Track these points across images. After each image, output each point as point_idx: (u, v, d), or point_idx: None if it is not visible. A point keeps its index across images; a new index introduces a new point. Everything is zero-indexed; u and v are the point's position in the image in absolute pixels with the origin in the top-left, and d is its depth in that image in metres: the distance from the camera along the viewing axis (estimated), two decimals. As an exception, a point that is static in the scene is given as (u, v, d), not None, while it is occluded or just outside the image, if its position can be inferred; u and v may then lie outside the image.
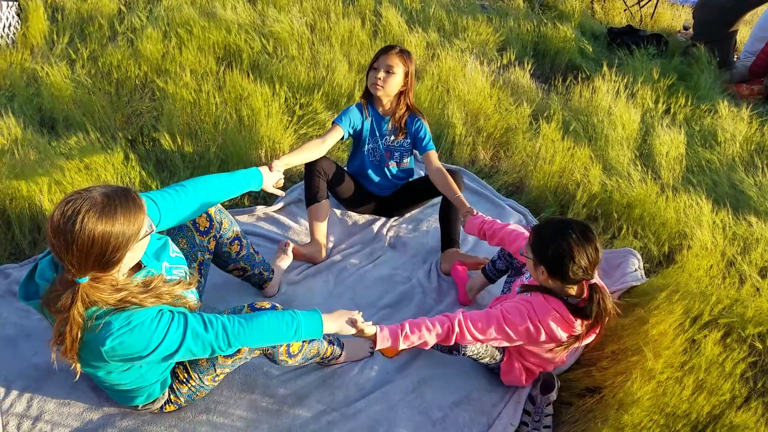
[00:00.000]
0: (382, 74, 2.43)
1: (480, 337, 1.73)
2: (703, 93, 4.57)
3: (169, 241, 1.71)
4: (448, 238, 2.54)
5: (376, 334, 1.71)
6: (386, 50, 2.45)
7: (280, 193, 2.14)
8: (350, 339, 1.90)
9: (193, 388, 1.70)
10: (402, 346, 1.72)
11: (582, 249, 1.64)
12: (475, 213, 2.26)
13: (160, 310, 1.41)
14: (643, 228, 2.84)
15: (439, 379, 2.01)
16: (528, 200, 3.12)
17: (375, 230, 2.73)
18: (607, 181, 3.08)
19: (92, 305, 1.34)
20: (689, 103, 4.30)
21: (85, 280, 1.32)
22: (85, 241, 1.25)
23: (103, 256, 1.29)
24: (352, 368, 2.02)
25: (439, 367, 2.05)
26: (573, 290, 1.73)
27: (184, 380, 1.68)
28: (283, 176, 2.15)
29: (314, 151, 2.42)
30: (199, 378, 1.67)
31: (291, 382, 1.93)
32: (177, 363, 1.68)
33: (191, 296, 1.58)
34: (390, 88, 2.46)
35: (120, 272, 1.40)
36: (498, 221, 2.16)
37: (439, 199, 2.64)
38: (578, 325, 1.72)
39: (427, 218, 2.85)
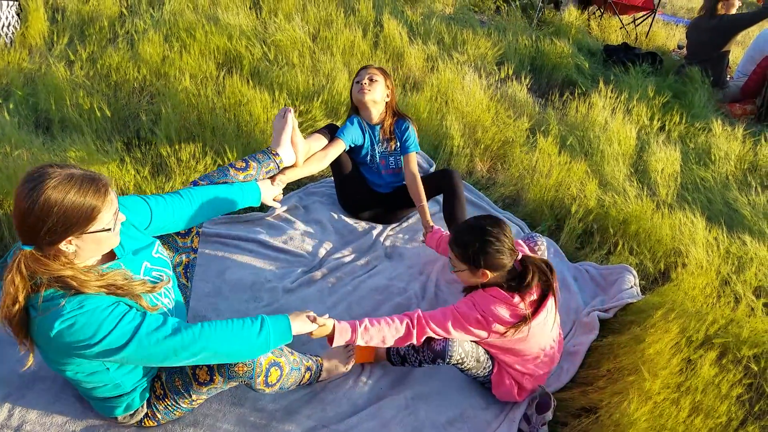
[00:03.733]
0: (366, 81, 2.62)
1: (439, 331, 1.79)
2: (697, 111, 4.63)
3: (158, 244, 1.68)
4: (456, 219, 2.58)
5: (333, 328, 1.70)
6: (365, 67, 2.67)
7: (276, 206, 2.20)
8: (330, 353, 1.94)
9: (169, 407, 1.64)
10: (360, 340, 1.73)
11: (502, 235, 1.79)
12: (434, 229, 2.48)
13: (117, 301, 1.37)
14: (639, 244, 2.85)
15: (433, 396, 1.98)
16: (525, 213, 3.12)
17: (372, 239, 2.72)
18: (603, 197, 3.09)
19: (32, 277, 1.30)
20: (684, 121, 4.35)
21: (27, 248, 1.30)
22: (28, 208, 1.24)
23: (42, 227, 1.26)
24: (345, 382, 1.98)
25: (433, 383, 2.02)
26: (505, 272, 1.82)
27: (161, 396, 1.62)
28: (282, 190, 2.19)
29: (316, 165, 2.48)
30: (174, 399, 1.61)
31: (281, 397, 1.88)
32: (155, 377, 1.63)
33: (159, 300, 1.53)
34: (376, 92, 2.62)
35: (79, 257, 1.37)
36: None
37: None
38: (519, 303, 1.78)
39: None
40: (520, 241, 2.10)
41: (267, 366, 1.56)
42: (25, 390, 1.77)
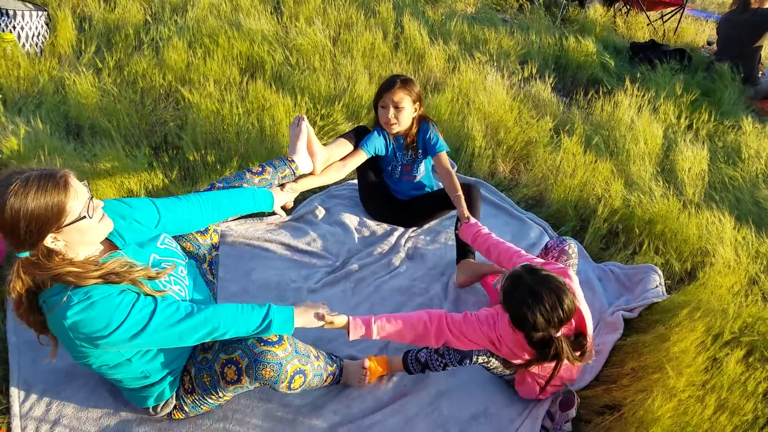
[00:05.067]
0: (392, 112, 2.50)
1: (459, 336, 1.78)
2: (726, 109, 4.52)
3: (165, 236, 1.74)
4: (464, 250, 2.53)
5: (348, 323, 1.73)
6: (389, 87, 2.49)
7: (282, 214, 2.24)
8: (347, 365, 1.95)
9: (196, 401, 1.70)
10: (375, 335, 1.75)
11: (545, 318, 1.62)
12: (471, 221, 2.31)
13: (123, 290, 1.43)
14: (665, 244, 2.81)
15: (456, 392, 2.00)
16: (548, 214, 3.10)
17: (393, 241, 2.74)
18: (629, 196, 3.05)
19: (34, 281, 1.39)
20: (712, 119, 4.26)
21: (23, 255, 1.38)
22: (4, 218, 1.32)
23: (19, 233, 1.33)
24: (369, 379, 2.01)
25: (456, 380, 2.04)
26: None
27: (189, 390, 1.68)
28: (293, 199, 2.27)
29: (334, 174, 2.50)
30: (201, 394, 1.68)
31: (307, 393, 1.93)
32: (184, 370, 1.69)
33: (167, 286, 1.58)
34: (405, 121, 2.55)
35: (72, 250, 1.43)
36: (493, 236, 2.19)
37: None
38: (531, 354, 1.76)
39: (446, 230, 2.85)
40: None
41: (292, 373, 1.61)
42: (62, 386, 1.84)
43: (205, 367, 1.63)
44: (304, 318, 1.66)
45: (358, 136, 2.62)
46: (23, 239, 1.35)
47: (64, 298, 1.37)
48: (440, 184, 2.85)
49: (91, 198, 1.44)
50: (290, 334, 1.63)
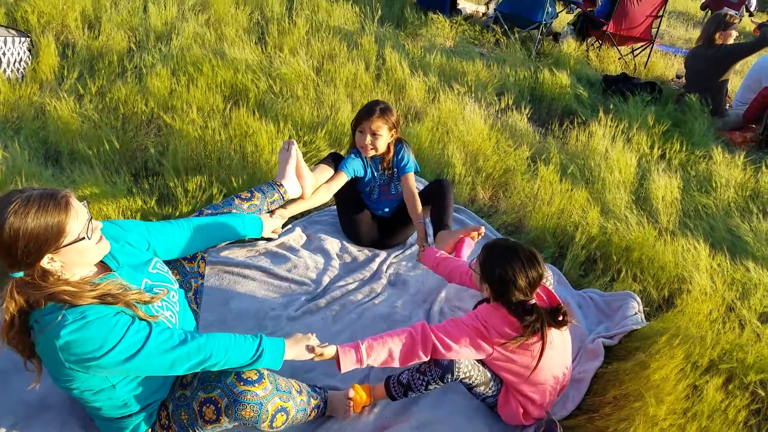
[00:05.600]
0: (369, 139, 2.61)
1: (444, 339, 1.78)
2: (697, 139, 4.67)
3: (156, 260, 1.72)
4: (442, 224, 2.58)
5: (337, 354, 1.71)
6: (367, 115, 2.59)
7: (273, 236, 2.29)
8: (331, 396, 1.92)
9: None
10: (366, 359, 1.73)
11: (524, 274, 1.75)
12: (427, 248, 2.43)
13: (119, 312, 1.40)
14: (642, 271, 2.85)
15: (438, 424, 1.96)
16: (527, 240, 3.14)
17: (375, 267, 2.74)
18: (606, 224, 3.11)
19: (27, 301, 1.36)
20: (684, 149, 4.39)
21: (17, 275, 1.35)
22: (3, 237, 1.29)
23: (17, 252, 1.31)
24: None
25: (438, 412, 2.01)
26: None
27: (165, 426, 1.63)
28: (281, 224, 2.30)
29: (322, 196, 2.59)
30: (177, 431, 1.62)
31: (287, 428, 1.87)
32: (161, 406, 1.64)
33: (160, 312, 1.56)
34: (381, 147, 2.66)
35: (68, 271, 1.41)
36: (452, 258, 2.31)
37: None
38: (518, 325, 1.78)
39: (428, 257, 2.86)
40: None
41: (273, 412, 1.57)
42: (31, 420, 1.77)
43: (183, 404, 1.58)
44: (295, 350, 1.64)
45: (335, 161, 2.72)
46: (20, 259, 1.32)
47: (59, 318, 1.33)
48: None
49: (90, 219, 1.42)
50: (278, 369, 1.60)
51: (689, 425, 1.80)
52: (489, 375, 1.90)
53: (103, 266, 1.55)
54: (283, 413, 1.59)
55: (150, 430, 1.64)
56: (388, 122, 2.60)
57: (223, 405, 1.51)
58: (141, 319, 1.45)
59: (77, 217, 1.38)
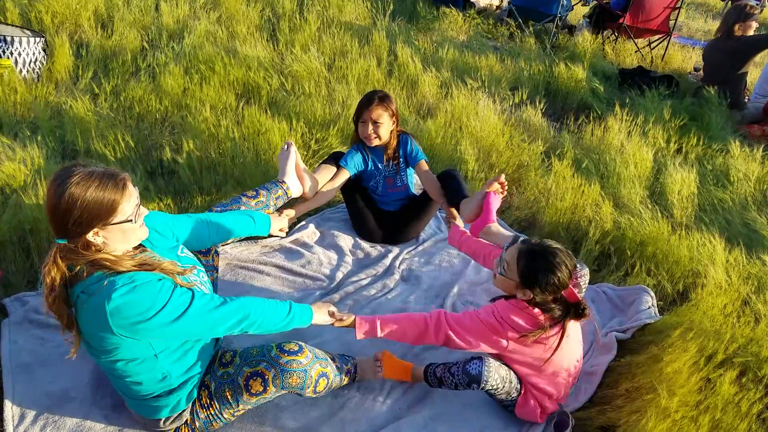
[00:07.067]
0: (371, 128, 2.66)
1: (458, 329, 1.83)
2: (714, 133, 4.60)
3: (183, 246, 1.83)
4: (462, 195, 2.61)
5: (355, 321, 1.87)
6: (367, 103, 2.65)
7: (281, 235, 2.38)
8: (360, 361, 2.03)
9: (210, 417, 1.71)
10: (379, 332, 1.85)
11: (568, 268, 1.76)
12: (454, 224, 2.47)
13: (161, 278, 1.49)
14: (656, 266, 2.83)
15: (451, 416, 1.99)
16: (541, 236, 3.12)
17: (387, 263, 2.76)
18: (620, 219, 3.09)
19: (69, 267, 1.43)
20: (701, 143, 4.33)
21: (62, 242, 1.42)
22: (55, 204, 1.38)
23: (68, 221, 1.38)
24: (363, 401, 2.00)
25: (451, 404, 2.03)
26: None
27: (205, 405, 1.71)
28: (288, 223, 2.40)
29: (326, 196, 2.71)
30: (219, 409, 1.69)
31: (301, 415, 1.92)
32: (202, 385, 1.70)
33: (196, 282, 1.65)
34: (383, 135, 2.70)
35: (108, 248, 1.48)
36: (473, 238, 2.34)
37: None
38: (539, 315, 1.80)
39: (440, 252, 2.87)
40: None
41: (316, 377, 1.70)
42: (56, 409, 1.83)
43: (227, 381, 1.67)
44: (320, 315, 1.80)
45: (337, 160, 2.80)
46: (69, 228, 1.40)
47: (106, 282, 1.40)
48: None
49: (139, 204, 1.51)
50: (307, 326, 1.75)
51: (701, 417, 1.79)
52: (513, 381, 1.89)
53: (139, 247, 1.64)
54: (324, 378, 1.73)
55: (189, 408, 1.70)
56: (388, 109, 2.66)
57: (271, 376, 1.62)
58: (180, 285, 1.53)
59: (130, 200, 1.47)
